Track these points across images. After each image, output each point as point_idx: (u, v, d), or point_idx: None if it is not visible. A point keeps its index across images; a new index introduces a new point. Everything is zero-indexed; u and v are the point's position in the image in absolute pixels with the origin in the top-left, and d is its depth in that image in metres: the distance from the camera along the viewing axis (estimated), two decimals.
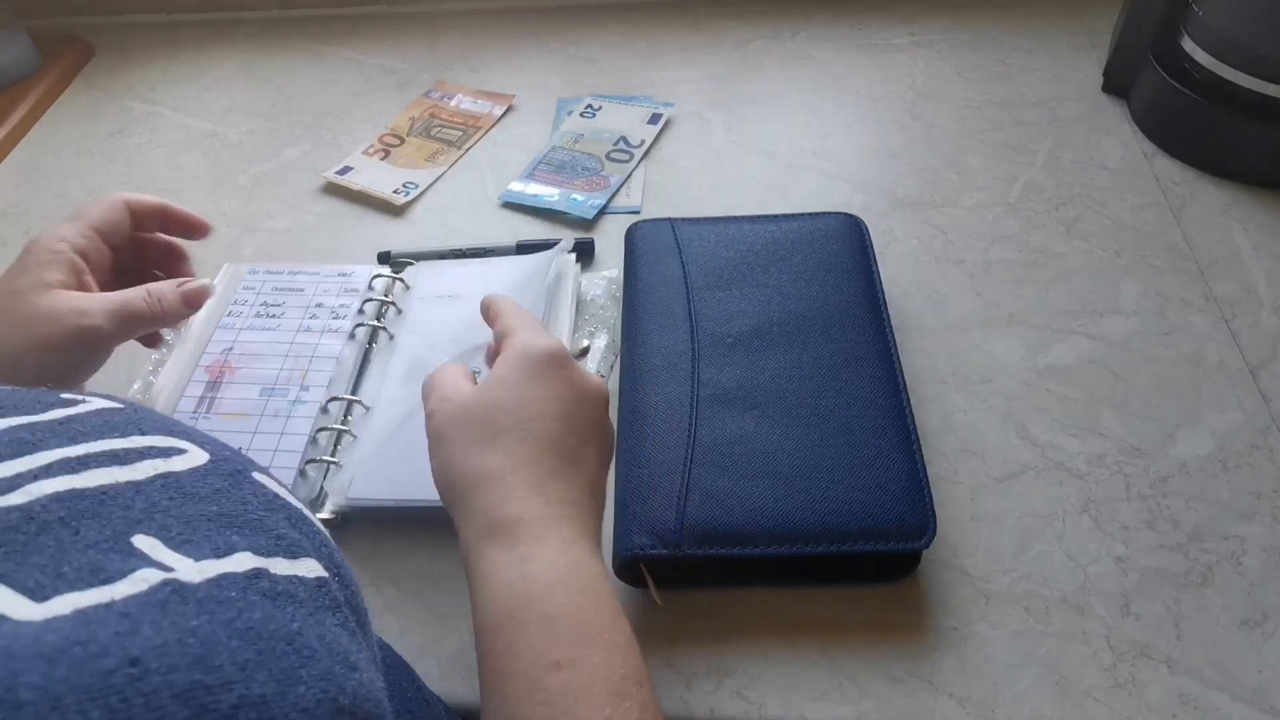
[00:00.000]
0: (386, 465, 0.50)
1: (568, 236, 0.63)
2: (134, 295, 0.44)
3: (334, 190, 0.71)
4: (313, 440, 0.52)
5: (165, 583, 0.20)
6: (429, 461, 0.39)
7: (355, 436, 0.52)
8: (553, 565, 0.33)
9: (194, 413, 0.54)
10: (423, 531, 0.49)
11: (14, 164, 0.77)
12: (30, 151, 0.78)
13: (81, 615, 0.18)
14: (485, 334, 0.57)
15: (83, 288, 0.43)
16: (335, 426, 0.52)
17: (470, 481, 0.36)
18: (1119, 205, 0.64)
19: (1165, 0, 0.66)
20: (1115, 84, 0.73)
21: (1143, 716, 0.41)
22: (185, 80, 0.84)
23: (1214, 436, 0.50)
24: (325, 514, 0.49)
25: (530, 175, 0.70)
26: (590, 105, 0.76)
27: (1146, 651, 0.43)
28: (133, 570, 0.19)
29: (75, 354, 0.42)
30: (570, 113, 0.76)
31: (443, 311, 0.59)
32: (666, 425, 0.47)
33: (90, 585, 0.19)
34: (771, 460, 0.46)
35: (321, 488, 0.50)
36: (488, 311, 0.45)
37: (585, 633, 0.31)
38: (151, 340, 0.53)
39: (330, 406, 0.54)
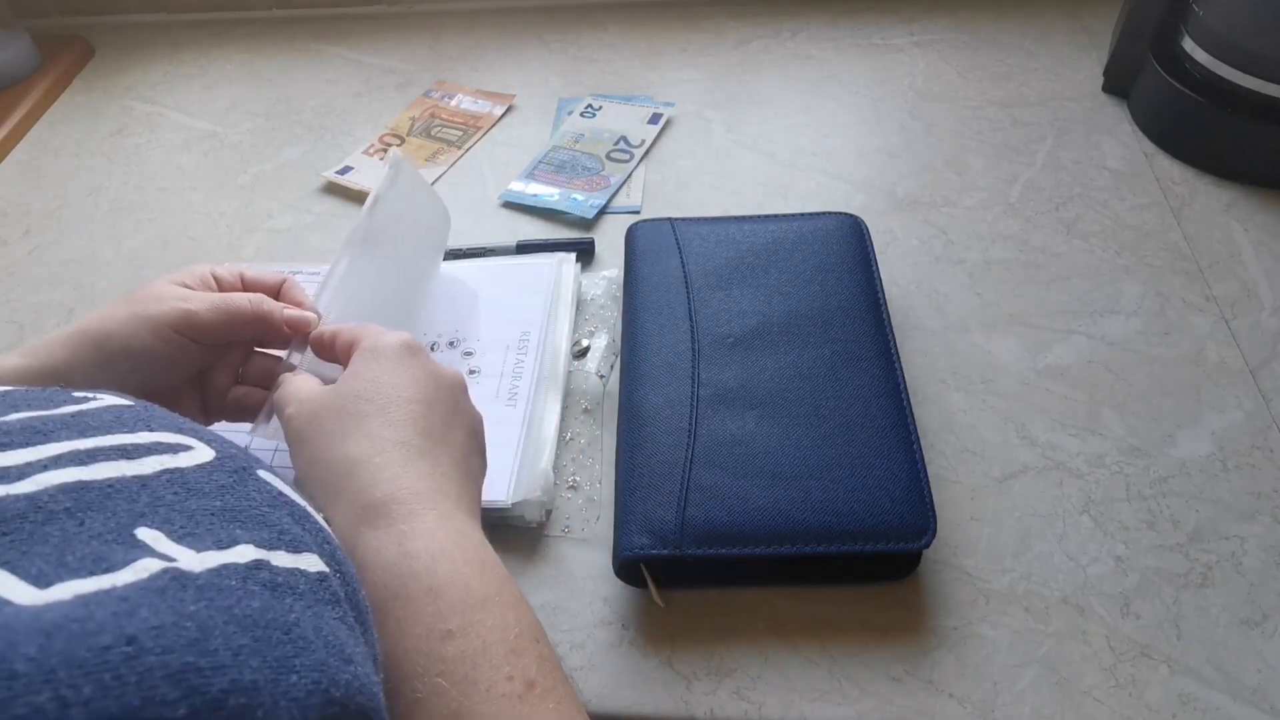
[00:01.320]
0: None
1: (568, 250, 0.63)
2: (238, 295, 0.45)
3: (334, 190, 0.71)
4: None
5: (166, 570, 0.20)
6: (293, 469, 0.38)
7: None
8: (431, 538, 0.32)
9: None
10: None
11: (14, 164, 0.77)
12: (30, 151, 0.78)
13: (81, 599, 0.18)
14: (486, 329, 0.57)
15: None
16: None
17: (338, 472, 0.35)
18: (1119, 205, 0.64)
19: (1165, 0, 0.66)
20: (1115, 84, 0.73)
21: (1143, 716, 0.41)
22: (185, 80, 0.84)
23: (1214, 436, 0.50)
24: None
25: (530, 175, 0.70)
26: (590, 105, 0.76)
27: (1146, 651, 0.43)
28: (135, 560, 0.20)
29: (171, 333, 0.41)
30: (570, 113, 0.76)
31: (442, 311, 0.59)
32: (666, 425, 0.47)
33: (92, 573, 0.19)
34: (771, 460, 0.46)
35: None
36: (324, 338, 0.44)
37: (473, 599, 0.31)
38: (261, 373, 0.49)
39: None
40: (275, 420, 0.42)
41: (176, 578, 0.20)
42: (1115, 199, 0.65)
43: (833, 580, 0.45)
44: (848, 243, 0.56)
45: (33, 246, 0.69)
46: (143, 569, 0.20)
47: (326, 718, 0.20)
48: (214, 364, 0.46)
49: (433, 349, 0.56)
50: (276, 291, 0.47)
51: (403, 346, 0.40)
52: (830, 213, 0.59)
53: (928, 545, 0.43)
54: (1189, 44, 0.65)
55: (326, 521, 0.34)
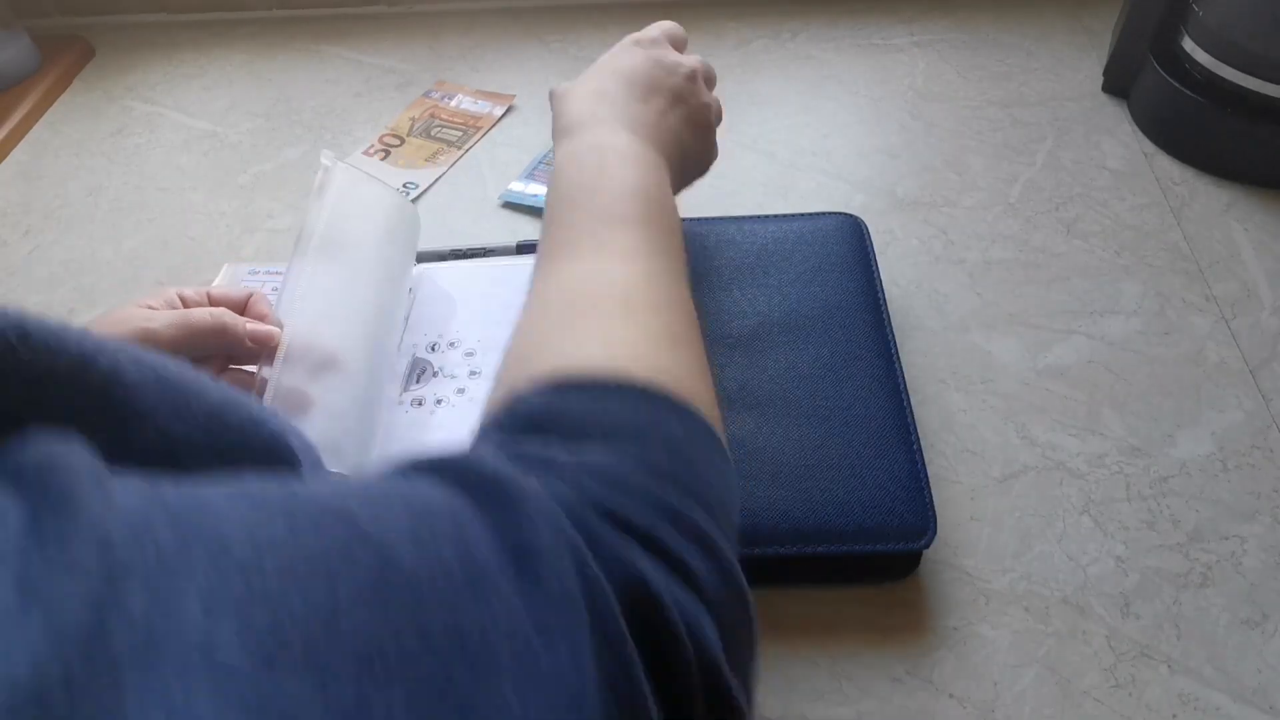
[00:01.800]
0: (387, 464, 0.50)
1: None
2: (198, 310, 0.46)
3: None
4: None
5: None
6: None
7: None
8: (594, 141, 0.42)
9: None
10: None
11: (14, 164, 0.77)
12: (30, 151, 0.78)
13: None
14: (487, 329, 0.57)
15: None
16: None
17: (556, 105, 0.46)
18: (1119, 205, 0.64)
19: (1165, 0, 0.66)
20: (1115, 84, 0.73)
21: (1143, 717, 0.41)
22: (185, 80, 0.84)
23: (1214, 436, 0.50)
24: None
25: (530, 175, 0.70)
26: None
27: (1146, 651, 0.43)
28: None
29: None
30: None
31: (443, 312, 0.59)
32: None
33: None
34: (771, 460, 0.46)
35: None
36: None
37: (607, 175, 0.40)
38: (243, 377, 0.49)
39: None
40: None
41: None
42: (1115, 199, 0.65)
43: (833, 580, 0.45)
44: (848, 243, 0.56)
45: (33, 246, 0.69)
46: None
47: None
48: None
49: (433, 349, 0.56)
50: (243, 307, 0.48)
51: (632, 40, 0.49)
52: (830, 213, 0.59)
53: (928, 545, 0.43)
54: (1189, 44, 0.65)
55: None
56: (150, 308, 0.45)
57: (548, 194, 0.41)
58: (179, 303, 0.47)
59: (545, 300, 0.35)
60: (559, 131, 0.45)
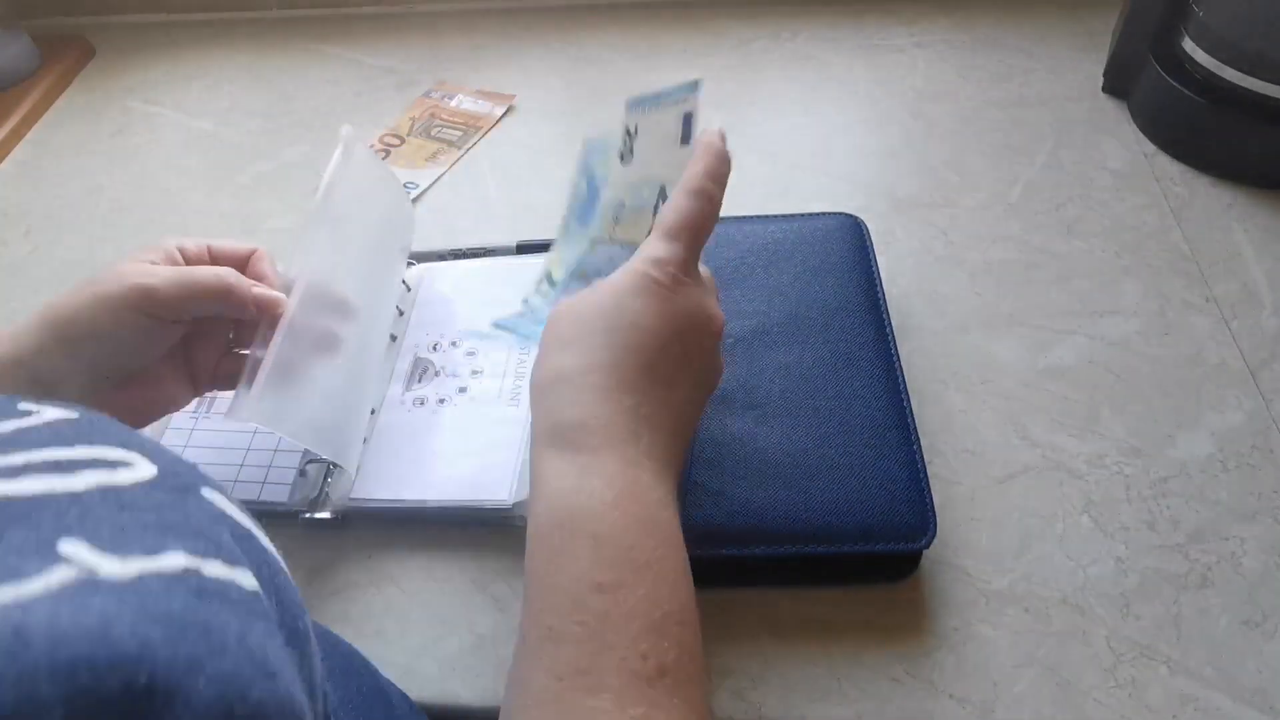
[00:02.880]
0: (388, 465, 0.50)
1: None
2: (202, 269, 0.43)
3: None
4: None
5: (81, 578, 0.18)
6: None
7: (365, 438, 0.52)
8: (610, 483, 0.31)
9: (194, 412, 0.54)
10: (423, 531, 0.49)
11: (14, 164, 0.77)
12: (30, 151, 0.78)
13: None
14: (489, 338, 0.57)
15: None
16: None
17: (546, 382, 0.34)
18: (1119, 205, 0.64)
19: (1165, 0, 0.66)
20: (1115, 84, 0.73)
21: (1142, 717, 0.41)
22: (185, 80, 0.84)
23: (1214, 437, 0.50)
24: (325, 514, 0.49)
25: (556, 294, 0.46)
26: (629, 133, 0.46)
27: (1146, 652, 0.43)
28: (50, 569, 0.18)
29: (131, 311, 0.40)
30: (604, 158, 0.48)
31: (444, 311, 0.59)
32: None
33: (0, 584, 0.18)
34: (771, 460, 0.46)
35: (322, 488, 0.50)
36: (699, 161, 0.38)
37: (633, 561, 0.30)
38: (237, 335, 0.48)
39: None
40: (249, 397, 0.41)
41: (90, 582, 0.18)
42: (1115, 199, 0.65)
43: (833, 580, 0.45)
44: (848, 243, 0.56)
45: (33, 246, 0.69)
46: (54, 579, 0.18)
47: None
48: (197, 337, 0.45)
49: (434, 349, 0.56)
50: (245, 263, 0.46)
51: (670, 278, 0.35)
52: (830, 213, 0.59)
53: (928, 545, 0.43)
54: (1189, 44, 0.65)
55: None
56: (151, 262, 0.43)
57: (539, 543, 0.31)
58: (179, 257, 0.44)
59: None
60: (547, 429, 0.33)
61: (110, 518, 0.21)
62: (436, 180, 0.71)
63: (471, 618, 0.46)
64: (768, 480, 0.45)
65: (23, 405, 0.24)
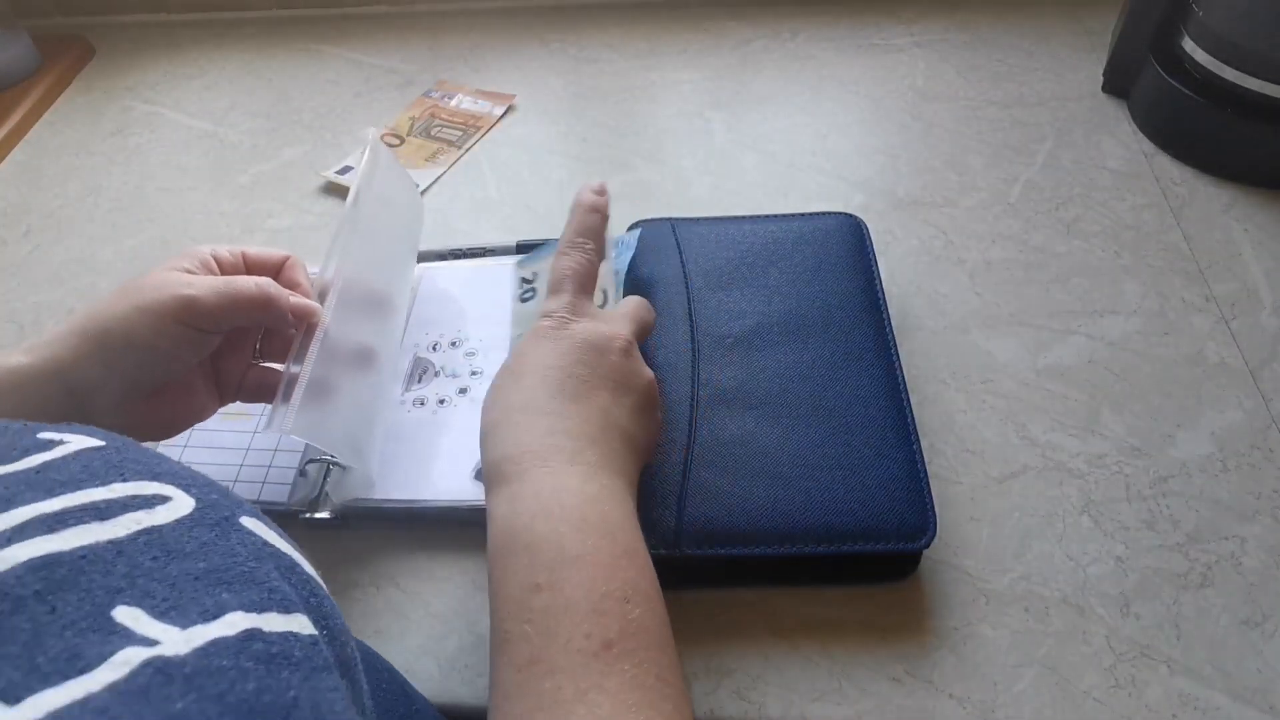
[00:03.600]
0: (387, 465, 0.50)
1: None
2: (243, 278, 0.43)
3: (334, 190, 0.71)
4: None
5: (148, 663, 0.18)
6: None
7: None
8: (535, 497, 0.34)
9: None
10: (423, 531, 0.49)
11: (14, 164, 0.77)
12: (30, 151, 0.78)
13: (54, 716, 0.17)
14: (487, 329, 0.57)
15: None
16: None
17: (482, 435, 0.39)
18: (1119, 205, 0.64)
19: (1165, 0, 0.66)
20: (1115, 84, 0.73)
21: (1142, 717, 0.41)
22: (185, 80, 0.84)
23: (1214, 436, 0.50)
24: (325, 514, 0.49)
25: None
26: (526, 280, 0.55)
27: (1146, 652, 0.43)
28: (113, 653, 0.18)
29: (171, 322, 0.40)
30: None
31: (443, 311, 0.59)
32: (666, 425, 0.47)
33: (66, 678, 0.17)
34: (771, 460, 0.46)
35: (322, 488, 0.50)
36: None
37: (564, 558, 0.33)
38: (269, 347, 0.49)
39: None
40: (288, 410, 0.41)
41: (161, 670, 0.18)
42: (1115, 199, 0.65)
43: (833, 580, 0.45)
44: (848, 243, 0.56)
45: (33, 246, 0.69)
46: (123, 663, 0.18)
47: None
48: (225, 347, 0.45)
49: (434, 349, 0.56)
50: (278, 271, 0.46)
51: (557, 321, 0.41)
52: (830, 213, 0.59)
53: (928, 545, 0.43)
54: (1189, 44, 0.65)
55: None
56: (188, 270, 0.43)
57: (491, 569, 0.34)
58: (214, 265, 0.44)
59: None
60: (488, 472, 0.37)
61: (159, 572, 0.21)
62: (436, 180, 0.71)
63: (471, 618, 0.46)
64: (768, 480, 0.45)
65: (44, 435, 0.24)
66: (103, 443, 0.25)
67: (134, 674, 0.18)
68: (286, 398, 0.42)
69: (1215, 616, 0.44)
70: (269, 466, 0.51)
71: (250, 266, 0.46)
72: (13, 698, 0.17)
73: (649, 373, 0.42)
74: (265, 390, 0.46)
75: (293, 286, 0.46)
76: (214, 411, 0.47)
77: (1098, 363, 0.54)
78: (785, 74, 0.79)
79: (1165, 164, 0.67)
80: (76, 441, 0.24)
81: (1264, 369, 0.54)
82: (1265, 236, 0.61)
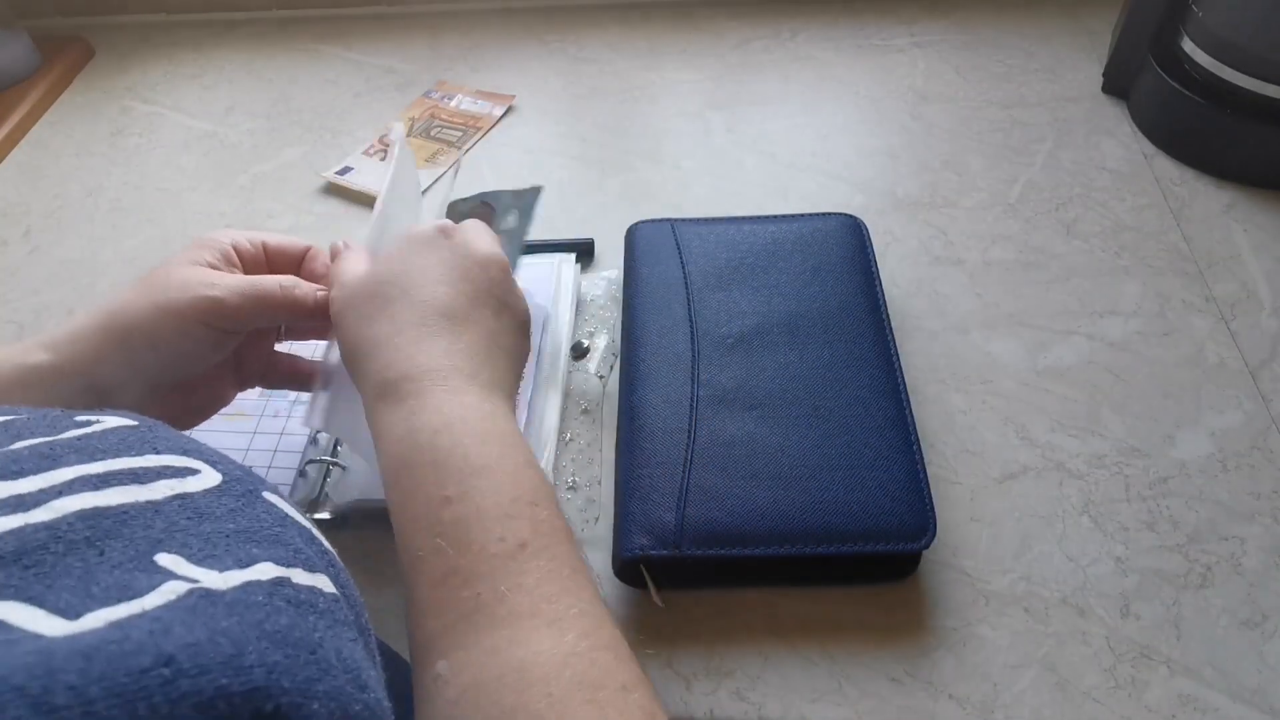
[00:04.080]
0: None
1: (567, 250, 0.62)
2: (267, 279, 0.42)
3: (334, 190, 0.71)
4: (313, 440, 0.52)
5: (193, 590, 0.20)
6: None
7: None
8: (437, 413, 0.34)
9: None
10: None
11: (14, 164, 0.77)
12: (30, 151, 0.78)
13: (115, 624, 0.18)
14: None
15: None
16: None
17: (363, 351, 0.37)
18: (1119, 205, 0.64)
19: (1165, 0, 0.66)
20: (1115, 84, 0.73)
21: (1142, 717, 0.41)
22: (185, 80, 0.84)
23: (1214, 437, 0.50)
24: (325, 514, 0.49)
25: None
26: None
27: (1146, 652, 0.43)
28: (160, 584, 0.20)
29: (195, 324, 0.40)
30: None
31: None
32: (666, 425, 0.47)
33: (120, 600, 0.19)
34: (771, 461, 0.46)
35: (321, 488, 0.50)
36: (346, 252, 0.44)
37: (470, 467, 0.33)
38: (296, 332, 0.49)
39: None
40: (321, 407, 0.42)
41: (205, 595, 0.20)
42: (1115, 200, 0.65)
43: (833, 580, 0.45)
44: (848, 243, 0.56)
45: (33, 246, 0.69)
46: (170, 591, 0.20)
47: None
48: (249, 337, 0.45)
49: None
50: (300, 264, 0.46)
51: (437, 231, 0.41)
52: (830, 213, 0.59)
53: (927, 546, 0.43)
54: (1189, 45, 0.65)
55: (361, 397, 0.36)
56: (210, 265, 0.42)
57: (391, 491, 0.34)
58: (235, 256, 0.43)
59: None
60: (374, 389, 0.36)
61: (193, 529, 0.22)
62: (437, 180, 0.71)
63: None
64: (768, 481, 0.45)
65: (80, 417, 0.26)
66: (135, 422, 0.26)
67: (182, 598, 0.20)
68: (325, 389, 0.42)
69: (1215, 617, 0.44)
70: (269, 467, 0.51)
71: (272, 258, 0.45)
72: (73, 614, 0.18)
73: (522, 292, 0.42)
74: (287, 376, 0.46)
75: (314, 278, 0.45)
76: (234, 397, 0.47)
77: (1097, 363, 0.54)
78: (785, 74, 0.79)
79: (1165, 164, 0.67)
80: (111, 420, 0.26)
81: (1264, 369, 0.54)
82: (1265, 237, 0.61)
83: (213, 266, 0.42)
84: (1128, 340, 0.56)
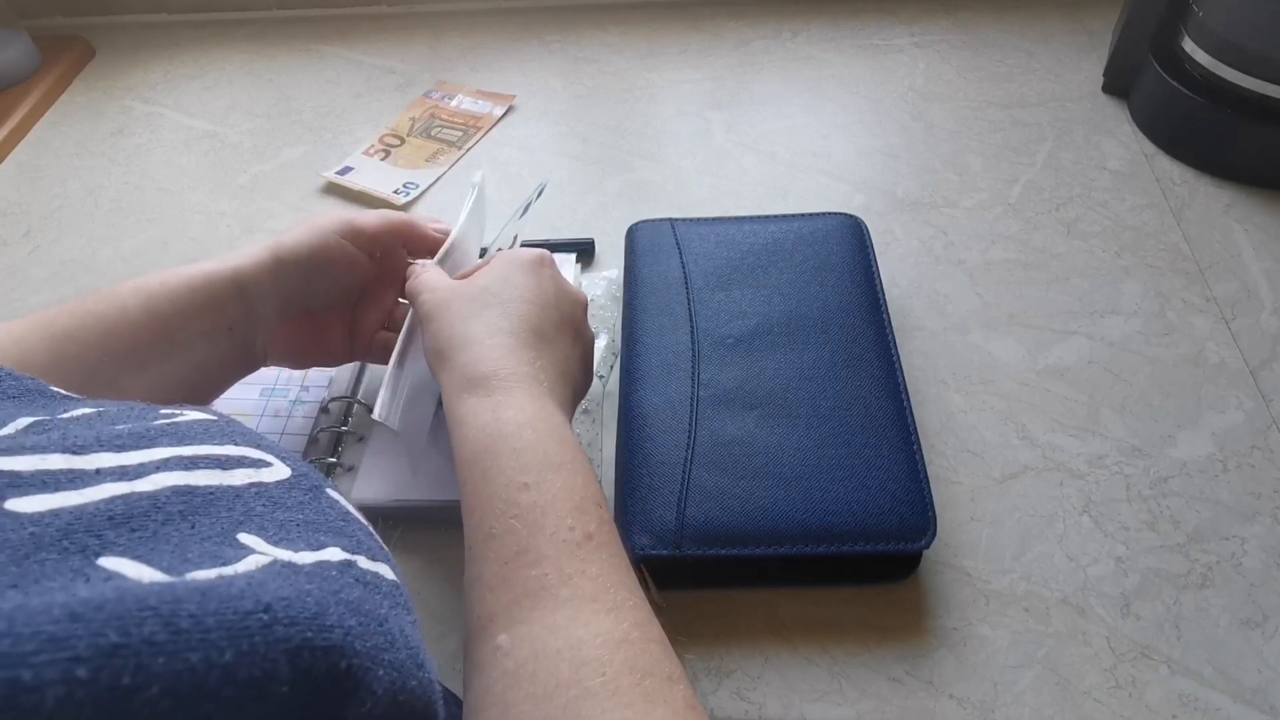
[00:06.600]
0: (388, 465, 0.50)
1: (567, 250, 0.62)
2: (394, 212, 0.50)
3: (334, 190, 0.71)
4: (313, 440, 0.52)
5: (275, 560, 0.22)
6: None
7: (362, 437, 0.52)
8: (522, 410, 0.37)
9: None
10: (423, 531, 0.49)
11: (14, 164, 0.77)
12: (30, 151, 0.78)
13: (219, 576, 0.20)
14: None
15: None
16: (336, 428, 0.52)
17: (456, 344, 0.40)
18: (1119, 205, 0.64)
19: (1165, 0, 0.66)
20: (1115, 84, 0.73)
21: (1143, 717, 0.41)
22: (185, 80, 0.84)
23: (1214, 437, 0.50)
24: None
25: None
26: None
27: (1146, 652, 0.43)
28: (246, 555, 0.22)
29: (335, 240, 0.47)
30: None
31: None
32: (666, 425, 0.47)
33: (214, 566, 0.21)
34: (771, 461, 0.46)
35: None
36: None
37: (549, 462, 0.35)
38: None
39: (331, 406, 0.54)
40: (399, 407, 0.44)
41: (288, 564, 0.22)
42: (1115, 199, 0.65)
43: (833, 580, 0.45)
44: (848, 243, 0.56)
45: (33, 246, 0.69)
46: (255, 562, 0.22)
47: (391, 717, 0.22)
48: (367, 298, 0.51)
49: None
50: (406, 235, 0.52)
51: (537, 258, 0.45)
52: (830, 213, 0.59)
53: (928, 546, 0.43)
54: (1189, 44, 0.65)
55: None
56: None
57: (468, 472, 0.36)
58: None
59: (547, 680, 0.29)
60: (460, 381, 0.39)
61: (269, 516, 0.25)
62: (437, 180, 0.71)
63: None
64: (768, 480, 0.45)
65: (165, 410, 0.28)
66: (214, 416, 0.29)
67: (268, 565, 0.22)
68: (392, 391, 0.44)
69: (1215, 617, 0.44)
70: None
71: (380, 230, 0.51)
72: (176, 573, 0.20)
73: (593, 333, 0.46)
74: (387, 353, 0.50)
75: (421, 239, 0.51)
76: (340, 363, 0.52)
77: (1098, 363, 0.54)
78: (785, 74, 0.79)
79: (1165, 164, 0.67)
80: (193, 413, 0.28)
81: (1264, 369, 0.54)
82: (1265, 236, 0.61)
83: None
84: (1128, 340, 0.56)
